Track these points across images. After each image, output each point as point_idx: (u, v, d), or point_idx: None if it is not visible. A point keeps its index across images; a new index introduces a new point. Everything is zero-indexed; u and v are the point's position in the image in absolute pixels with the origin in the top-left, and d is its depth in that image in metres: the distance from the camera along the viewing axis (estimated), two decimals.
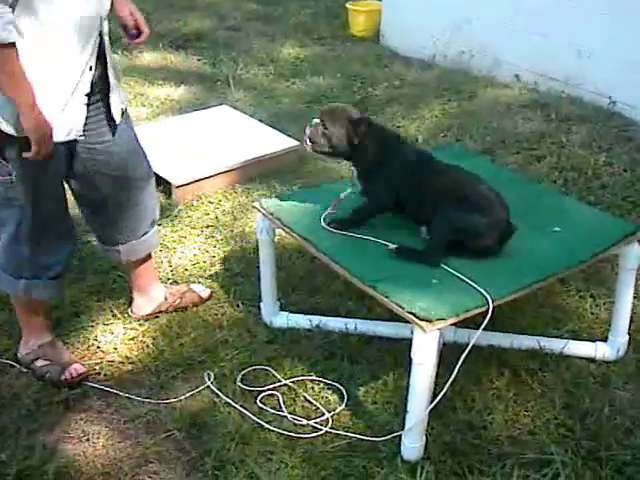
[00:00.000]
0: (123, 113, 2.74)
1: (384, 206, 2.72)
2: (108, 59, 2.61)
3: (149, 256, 3.13)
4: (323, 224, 2.73)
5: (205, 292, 3.27)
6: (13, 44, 2.24)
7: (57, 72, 2.41)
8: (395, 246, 2.56)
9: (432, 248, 2.54)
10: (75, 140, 2.58)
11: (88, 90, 2.53)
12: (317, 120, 2.68)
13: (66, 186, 2.74)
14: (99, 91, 2.60)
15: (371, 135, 2.65)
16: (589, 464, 2.44)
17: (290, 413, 2.67)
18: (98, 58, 2.55)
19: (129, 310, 3.21)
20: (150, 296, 3.18)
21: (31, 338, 2.89)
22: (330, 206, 2.76)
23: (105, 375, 2.88)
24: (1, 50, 2.23)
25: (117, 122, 2.69)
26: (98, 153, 2.67)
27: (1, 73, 2.27)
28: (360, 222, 2.73)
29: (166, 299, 3.19)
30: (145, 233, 2.99)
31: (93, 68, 2.53)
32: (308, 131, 2.68)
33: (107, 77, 2.61)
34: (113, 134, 2.70)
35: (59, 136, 2.47)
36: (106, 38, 2.59)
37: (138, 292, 3.17)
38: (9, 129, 2.40)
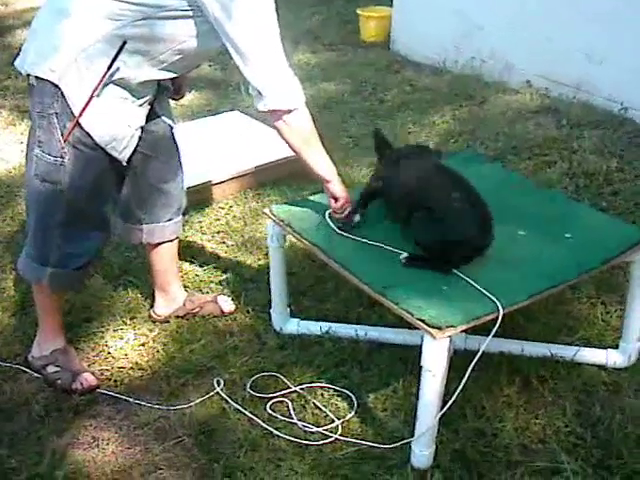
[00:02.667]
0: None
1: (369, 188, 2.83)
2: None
3: (173, 249, 3.14)
4: (332, 226, 2.77)
5: (228, 306, 3.25)
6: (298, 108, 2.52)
7: (137, 103, 2.57)
8: (406, 255, 2.55)
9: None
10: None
11: (142, 123, 2.65)
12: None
13: None
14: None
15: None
16: (600, 473, 2.43)
17: (300, 420, 2.67)
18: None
19: (151, 311, 3.22)
20: (170, 297, 3.19)
21: (45, 341, 2.90)
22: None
23: (115, 381, 2.89)
24: (287, 114, 2.51)
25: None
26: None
27: (296, 138, 2.60)
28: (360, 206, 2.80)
29: (184, 305, 3.19)
30: (170, 219, 3.01)
31: (151, 103, 2.67)
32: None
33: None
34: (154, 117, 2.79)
35: (114, 154, 2.57)
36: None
37: (158, 291, 3.19)
38: (99, 137, 2.49)
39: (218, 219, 3.99)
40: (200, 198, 4.10)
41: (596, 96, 5.23)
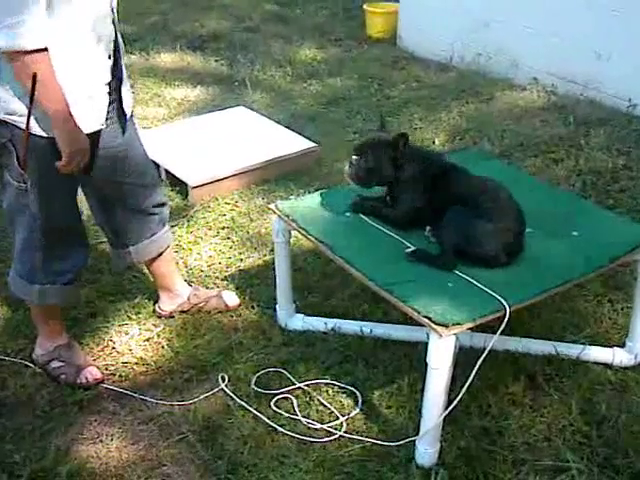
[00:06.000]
0: (132, 115, 2.74)
1: (401, 225, 2.71)
2: (120, 48, 2.60)
3: (167, 256, 3.12)
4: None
5: (233, 301, 3.24)
6: (37, 51, 2.22)
7: (78, 63, 2.40)
8: (411, 249, 2.55)
9: (445, 253, 2.53)
10: (96, 146, 2.58)
11: (109, 79, 2.54)
12: (356, 156, 2.70)
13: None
14: (112, 80, 2.58)
15: (409, 152, 2.69)
16: (605, 472, 2.42)
17: (304, 417, 2.66)
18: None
19: (156, 306, 3.21)
20: (173, 294, 3.18)
21: (46, 340, 2.90)
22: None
23: (120, 376, 2.88)
24: (23, 57, 2.21)
25: (128, 116, 2.68)
26: (108, 159, 2.66)
27: (28, 81, 2.25)
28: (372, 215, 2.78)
29: (188, 299, 3.19)
30: (154, 234, 2.98)
31: (111, 56, 2.54)
32: (348, 170, 2.72)
33: (120, 66, 2.61)
34: (123, 132, 2.69)
35: (85, 128, 2.45)
36: (117, 27, 2.56)
37: (161, 290, 3.19)
38: (40, 130, 2.40)
39: (223, 215, 3.98)
40: (205, 194, 4.09)
41: (603, 93, 5.21)
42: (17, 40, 2.18)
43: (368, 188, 2.76)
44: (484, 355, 2.34)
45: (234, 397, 2.74)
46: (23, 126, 2.36)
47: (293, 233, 2.92)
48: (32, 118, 2.36)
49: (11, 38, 2.18)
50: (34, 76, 2.23)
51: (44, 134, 2.41)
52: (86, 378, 2.81)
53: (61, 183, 2.54)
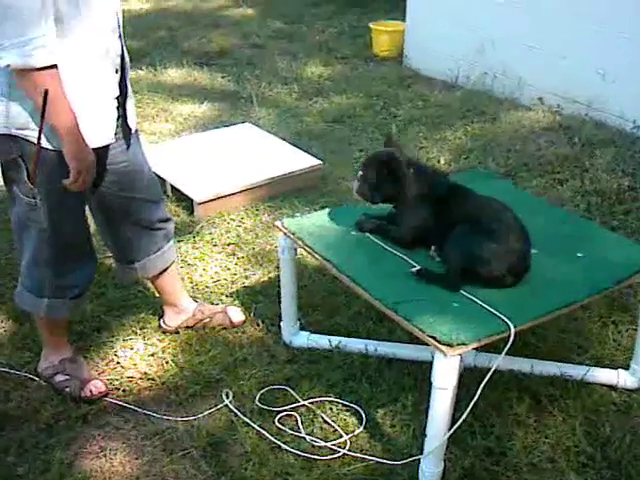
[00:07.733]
0: (136, 130, 2.76)
1: (405, 244, 2.72)
2: (126, 62, 2.62)
3: (172, 272, 3.13)
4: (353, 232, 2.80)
5: (238, 317, 3.24)
6: (47, 68, 2.23)
7: (88, 78, 2.41)
8: (417, 268, 2.55)
9: (451, 272, 2.54)
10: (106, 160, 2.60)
11: (117, 93, 2.56)
12: (361, 172, 2.72)
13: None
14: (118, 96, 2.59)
15: (411, 172, 2.67)
16: None
17: (308, 434, 2.66)
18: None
19: (161, 322, 3.22)
20: (178, 309, 3.19)
21: (51, 353, 2.90)
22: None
23: (124, 391, 2.89)
24: (32, 74, 2.23)
25: (132, 131, 2.70)
26: (113, 174, 2.67)
27: (38, 97, 2.26)
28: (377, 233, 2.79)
29: (194, 315, 3.19)
30: (159, 249, 2.99)
31: (119, 70, 2.55)
32: (355, 185, 2.74)
33: (125, 81, 2.62)
34: (128, 147, 2.70)
35: (95, 142, 2.47)
36: (123, 42, 2.58)
37: (166, 305, 3.19)
38: (48, 144, 2.41)
39: (229, 231, 3.99)
40: (211, 210, 4.10)
41: (609, 114, 5.23)
42: (27, 58, 2.20)
43: (374, 204, 2.76)
44: (489, 375, 2.34)
45: (238, 413, 2.74)
46: (34, 140, 2.37)
47: (298, 250, 2.93)
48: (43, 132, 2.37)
49: (21, 56, 2.20)
50: (46, 92, 2.24)
51: (55, 147, 2.42)
52: (90, 391, 2.81)
53: (70, 197, 2.55)
